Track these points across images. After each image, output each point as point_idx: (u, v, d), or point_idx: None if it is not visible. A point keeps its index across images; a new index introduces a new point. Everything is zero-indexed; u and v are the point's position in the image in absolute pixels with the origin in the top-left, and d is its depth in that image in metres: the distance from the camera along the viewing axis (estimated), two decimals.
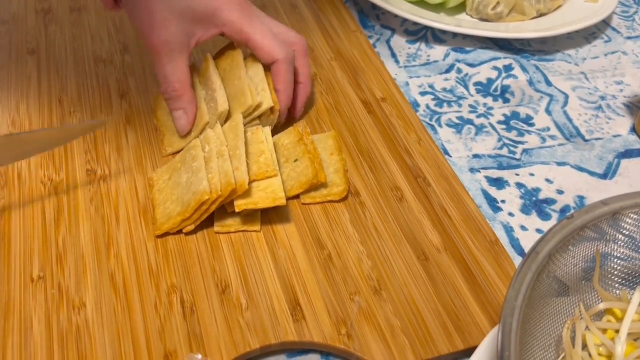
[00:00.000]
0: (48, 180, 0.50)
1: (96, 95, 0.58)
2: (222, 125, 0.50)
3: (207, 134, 0.49)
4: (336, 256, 0.46)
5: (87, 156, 0.52)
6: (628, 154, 0.56)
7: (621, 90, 0.63)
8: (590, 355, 0.35)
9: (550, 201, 0.52)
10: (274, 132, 0.53)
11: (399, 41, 0.69)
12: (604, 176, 0.54)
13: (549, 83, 0.64)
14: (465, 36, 0.69)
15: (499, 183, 0.53)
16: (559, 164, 0.55)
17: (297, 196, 0.49)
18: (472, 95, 0.62)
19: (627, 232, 0.38)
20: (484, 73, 0.65)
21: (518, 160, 0.55)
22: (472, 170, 0.54)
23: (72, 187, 0.50)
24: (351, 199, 0.50)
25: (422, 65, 0.65)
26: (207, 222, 0.47)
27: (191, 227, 0.46)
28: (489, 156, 0.55)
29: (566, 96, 0.62)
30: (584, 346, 0.36)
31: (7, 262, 0.45)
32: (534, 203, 0.52)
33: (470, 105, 0.61)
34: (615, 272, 0.39)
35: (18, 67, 0.61)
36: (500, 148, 0.56)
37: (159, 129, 0.55)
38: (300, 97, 0.55)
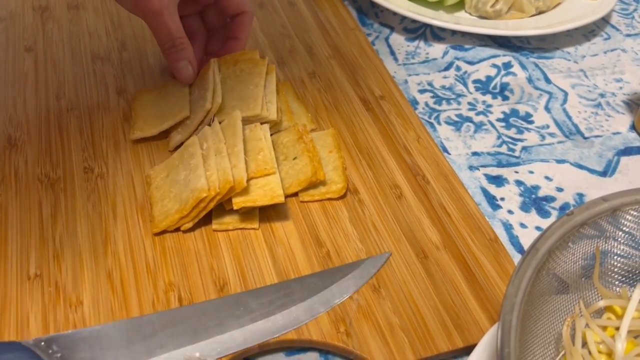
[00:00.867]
0: (45, 178, 0.50)
1: (94, 92, 0.58)
2: (209, 124, 0.50)
3: (205, 131, 0.49)
4: (335, 254, 0.46)
5: (84, 153, 0.52)
6: (628, 151, 0.56)
7: (621, 88, 0.63)
8: (590, 352, 0.35)
9: (549, 199, 0.52)
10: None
11: (397, 39, 0.68)
12: (603, 174, 0.54)
13: (548, 81, 0.63)
14: (464, 34, 0.69)
15: (498, 181, 0.53)
16: (559, 161, 0.55)
17: (295, 194, 0.49)
18: (471, 93, 0.62)
19: (627, 229, 0.38)
20: (483, 71, 0.64)
21: (517, 157, 0.55)
22: (471, 168, 0.54)
23: (70, 184, 0.50)
24: (350, 196, 0.50)
25: (421, 63, 0.65)
26: (205, 220, 0.47)
27: (189, 225, 0.46)
28: (488, 154, 0.55)
29: (565, 94, 0.62)
30: (584, 344, 0.36)
31: (4, 260, 0.44)
32: (533, 201, 0.51)
33: (469, 103, 0.60)
34: (616, 270, 0.39)
35: (15, 65, 0.61)
36: (500, 146, 0.56)
37: (132, 117, 0.55)
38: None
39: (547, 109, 0.60)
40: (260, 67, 0.54)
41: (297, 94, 0.58)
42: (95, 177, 0.50)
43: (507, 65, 0.65)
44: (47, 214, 0.47)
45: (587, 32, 0.70)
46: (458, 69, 0.65)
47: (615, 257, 0.38)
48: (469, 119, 0.59)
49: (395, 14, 0.70)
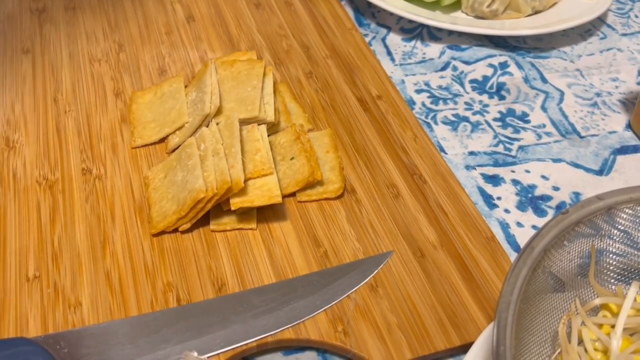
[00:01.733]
0: (43, 180, 0.50)
1: (91, 94, 0.58)
2: (206, 126, 0.50)
3: (203, 132, 0.49)
4: (332, 253, 0.46)
5: (82, 155, 0.52)
6: (624, 150, 0.56)
7: (617, 87, 0.63)
8: (586, 350, 0.35)
9: (546, 198, 0.52)
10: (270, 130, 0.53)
11: (394, 39, 0.69)
12: (599, 172, 0.54)
13: (544, 80, 0.64)
14: (460, 34, 0.69)
15: (494, 180, 0.53)
16: (555, 160, 0.55)
17: (293, 194, 0.49)
18: (467, 93, 0.62)
19: (623, 227, 0.38)
20: (479, 70, 0.65)
21: (514, 157, 0.55)
22: (468, 167, 0.54)
23: (68, 186, 0.50)
24: (347, 196, 0.50)
25: (417, 63, 0.65)
26: (203, 221, 0.47)
27: (187, 226, 0.46)
28: (485, 153, 0.56)
29: (562, 93, 0.62)
30: (580, 341, 0.36)
31: (3, 262, 0.44)
32: (529, 200, 0.52)
33: (466, 103, 0.61)
34: (611, 268, 0.39)
35: (13, 67, 0.61)
36: (496, 145, 0.56)
37: (130, 122, 0.55)
38: None
39: (543, 108, 0.60)
40: (257, 68, 0.55)
41: (294, 94, 0.58)
42: (94, 179, 0.50)
43: (504, 65, 0.65)
44: (45, 216, 0.47)
45: (583, 32, 0.70)
46: (455, 68, 0.65)
47: (611, 255, 0.38)
48: (466, 119, 0.59)
49: (392, 14, 0.70)
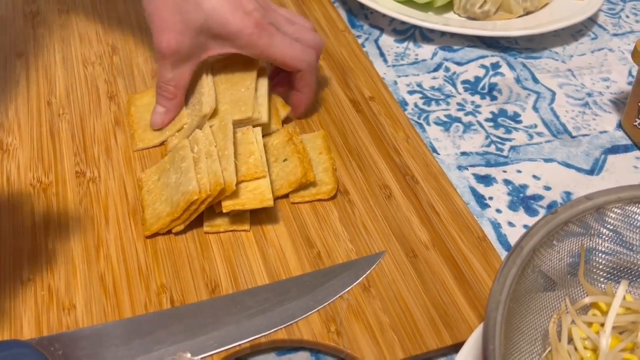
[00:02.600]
0: (37, 182, 0.50)
1: (85, 97, 0.58)
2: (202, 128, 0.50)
3: (196, 135, 0.49)
4: (325, 254, 0.46)
5: (76, 158, 0.52)
6: (615, 149, 0.57)
7: (608, 87, 0.64)
8: (576, 348, 0.36)
9: (537, 197, 0.52)
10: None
11: (387, 40, 0.69)
12: (590, 172, 0.55)
13: (536, 80, 0.64)
14: (453, 35, 0.69)
15: (486, 180, 0.54)
16: (546, 160, 0.56)
17: (286, 195, 0.50)
18: (460, 94, 0.62)
19: (612, 227, 0.38)
20: (471, 71, 0.65)
21: (506, 157, 0.56)
22: (460, 167, 0.55)
23: (62, 189, 0.50)
24: (340, 197, 0.50)
25: (410, 65, 0.66)
26: (197, 222, 0.47)
27: (181, 228, 0.46)
28: (477, 154, 0.56)
29: (553, 93, 0.63)
30: (570, 340, 0.36)
31: None
32: (521, 200, 0.52)
33: (458, 104, 0.61)
34: (601, 267, 0.39)
35: (6, 70, 0.61)
36: (488, 145, 0.57)
37: (130, 125, 0.55)
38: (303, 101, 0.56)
39: (535, 108, 0.61)
40: (251, 69, 0.55)
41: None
42: (87, 182, 0.51)
43: (496, 66, 0.66)
44: (39, 219, 0.48)
45: (574, 32, 0.71)
46: (447, 69, 0.65)
47: (600, 254, 0.39)
48: (458, 119, 0.59)
49: (384, 15, 0.71)
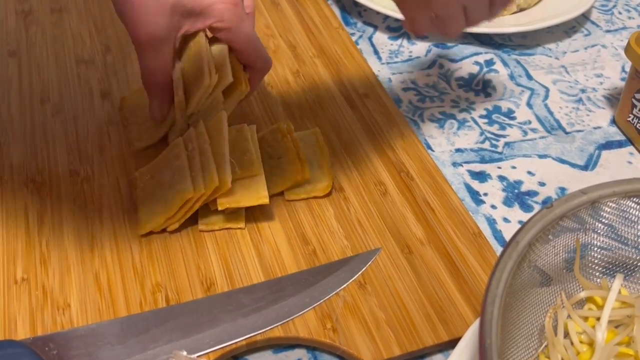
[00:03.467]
0: (31, 182, 0.50)
1: (78, 96, 0.58)
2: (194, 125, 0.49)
3: (190, 133, 0.49)
4: (321, 251, 0.46)
5: (69, 157, 0.52)
6: (608, 145, 0.57)
7: (601, 83, 0.64)
8: (572, 343, 0.36)
9: (532, 193, 0.52)
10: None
11: (381, 38, 0.69)
12: (585, 168, 0.55)
13: (530, 77, 0.64)
14: None
15: (481, 176, 0.54)
16: (541, 156, 0.56)
17: (281, 193, 0.50)
18: (454, 91, 0.62)
19: (607, 221, 0.38)
20: (465, 68, 0.65)
21: (500, 153, 0.56)
22: (454, 164, 0.55)
23: (55, 188, 0.50)
24: (335, 194, 0.50)
25: (404, 62, 0.66)
26: (192, 221, 0.47)
27: (175, 226, 0.46)
28: (472, 150, 0.56)
29: (547, 90, 0.63)
30: (566, 334, 0.36)
31: None
32: (516, 195, 0.52)
33: (452, 100, 0.61)
34: (596, 261, 0.39)
35: None
36: (483, 142, 0.57)
37: (126, 126, 0.54)
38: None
39: (529, 105, 0.61)
40: (200, 41, 0.52)
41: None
42: (81, 181, 0.50)
43: (489, 63, 0.66)
44: (33, 218, 0.47)
45: (567, 29, 0.71)
46: (441, 66, 0.65)
47: (596, 249, 0.39)
48: (452, 116, 0.59)
49: (378, 13, 0.71)
